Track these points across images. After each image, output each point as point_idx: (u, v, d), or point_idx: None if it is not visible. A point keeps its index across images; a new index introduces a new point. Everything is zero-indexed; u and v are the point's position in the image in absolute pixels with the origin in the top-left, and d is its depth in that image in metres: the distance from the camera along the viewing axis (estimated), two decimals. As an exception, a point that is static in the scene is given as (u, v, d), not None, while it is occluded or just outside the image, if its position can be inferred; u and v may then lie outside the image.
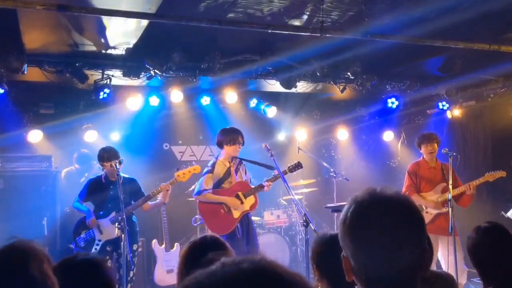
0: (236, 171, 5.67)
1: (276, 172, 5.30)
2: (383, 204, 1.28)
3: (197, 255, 2.14)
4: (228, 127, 5.69)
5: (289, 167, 5.67)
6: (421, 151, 5.98)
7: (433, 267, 5.21)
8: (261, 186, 5.50)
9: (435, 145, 5.82)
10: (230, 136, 5.51)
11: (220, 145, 5.57)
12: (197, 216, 6.27)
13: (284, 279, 0.74)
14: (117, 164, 5.12)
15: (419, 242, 1.28)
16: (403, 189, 5.95)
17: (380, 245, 1.25)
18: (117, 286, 5.06)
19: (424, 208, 5.74)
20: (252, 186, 5.62)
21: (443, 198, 5.65)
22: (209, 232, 6.75)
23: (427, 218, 5.65)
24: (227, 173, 5.57)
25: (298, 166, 5.68)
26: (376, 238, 1.26)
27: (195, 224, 6.62)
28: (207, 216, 5.53)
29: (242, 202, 5.49)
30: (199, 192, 5.48)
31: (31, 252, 1.18)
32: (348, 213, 1.30)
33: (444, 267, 5.38)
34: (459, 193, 5.66)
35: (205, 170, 5.59)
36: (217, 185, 5.55)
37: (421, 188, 5.90)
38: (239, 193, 5.52)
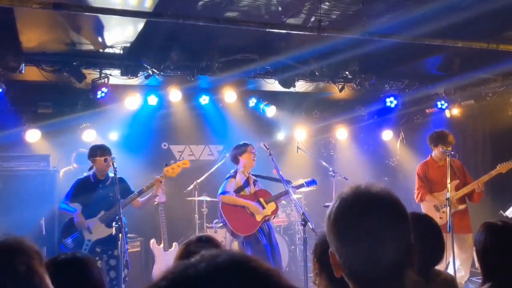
0: (254, 183, 5.97)
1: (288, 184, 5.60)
2: (366, 200, 1.28)
3: (192, 254, 2.12)
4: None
5: (306, 181, 6.15)
6: (433, 149, 5.94)
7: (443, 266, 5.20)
8: (283, 193, 5.74)
9: (451, 147, 5.80)
10: (240, 147, 5.87)
11: (236, 159, 5.87)
12: (216, 220, 6.44)
13: (260, 273, 0.74)
14: (113, 164, 5.03)
15: (404, 238, 1.28)
16: (415, 192, 5.94)
17: (362, 242, 1.25)
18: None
19: (440, 208, 5.72)
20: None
21: (458, 195, 5.67)
22: (207, 233, 6.78)
23: (444, 218, 5.59)
24: (246, 182, 5.86)
25: (312, 182, 6.24)
26: (358, 235, 1.25)
27: (216, 227, 6.73)
28: (231, 216, 5.69)
29: (264, 208, 5.78)
30: (224, 193, 5.70)
31: (19, 248, 1.16)
32: (333, 209, 1.31)
33: (457, 265, 5.34)
34: (469, 191, 5.68)
35: (228, 175, 5.88)
36: (237, 192, 5.79)
37: (433, 189, 5.87)
38: (261, 199, 5.82)
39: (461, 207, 5.73)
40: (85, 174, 5.59)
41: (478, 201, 5.83)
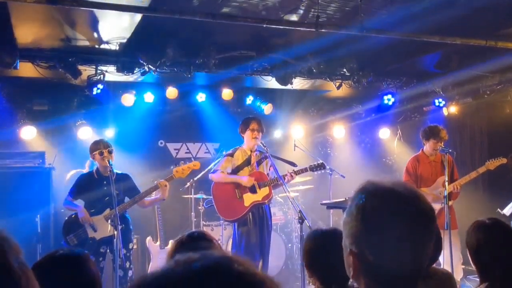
0: (258, 163, 5.59)
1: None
2: (399, 198, 1.21)
3: (184, 251, 2.10)
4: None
5: (310, 166, 5.60)
6: (425, 143, 5.92)
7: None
8: (277, 180, 5.28)
9: (443, 143, 5.77)
10: (243, 123, 5.57)
11: (241, 134, 5.58)
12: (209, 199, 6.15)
13: (243, 280, 0.66)
14: (110, 160, 4.96)
15: (432, 237, 1.24)
16: None
17: (396, 241, 1.19)
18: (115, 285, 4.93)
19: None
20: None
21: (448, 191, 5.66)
22: (202, 228, 6.74)
23: None
24: (247, 162, 5.51)
25: (321, 166, 5.59)
26: (392, 234, 1.19)
27: (206, 206, 6.52)
28: (218, 198, 5.43)
29: (255, 192, 5.41)
30: (214, 171, 5.48)
31: (7, 241, 1.05)
32: (360, 207, 1.22)
33: (442, 262, 5.35)
34: (450, 190, 5.70)
35: (225, 153, 5.61)
36: (235, 172, 5.47)
37: (422, 184, 5.87)
38: (254, 182, 5.42)
39: (449, 203, 5.70)
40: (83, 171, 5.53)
41: (455, 200, 5.87)
